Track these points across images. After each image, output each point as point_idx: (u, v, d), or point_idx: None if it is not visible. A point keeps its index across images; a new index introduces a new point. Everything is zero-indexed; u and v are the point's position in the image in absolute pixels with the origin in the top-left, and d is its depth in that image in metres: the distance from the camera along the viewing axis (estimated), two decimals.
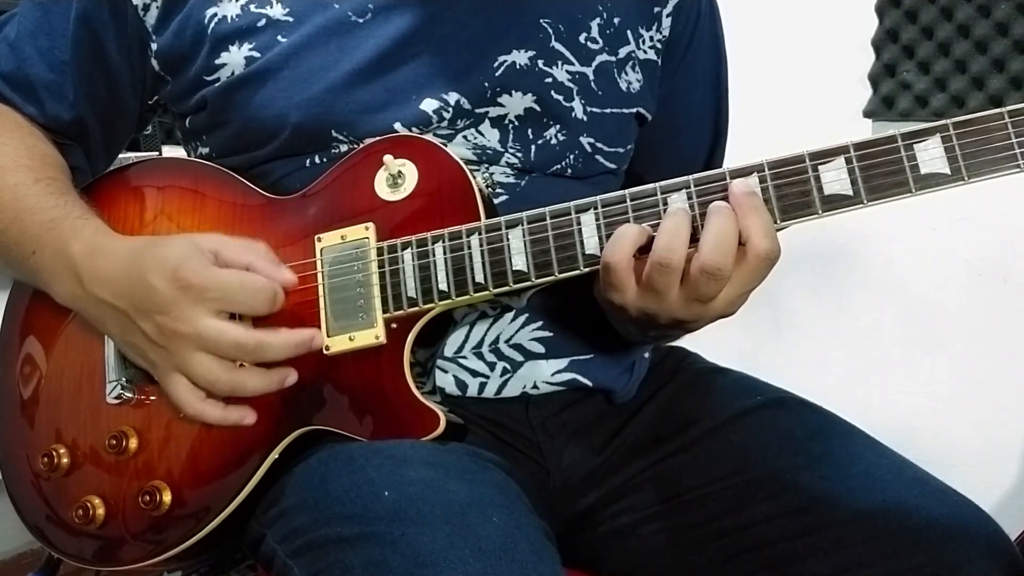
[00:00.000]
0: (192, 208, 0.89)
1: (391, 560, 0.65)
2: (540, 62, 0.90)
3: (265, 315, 0.81)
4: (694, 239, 0.74)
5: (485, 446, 0.86)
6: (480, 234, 0.79)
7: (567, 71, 0.91)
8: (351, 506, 0.71)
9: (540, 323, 0.91)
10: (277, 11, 0.88)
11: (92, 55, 0.93)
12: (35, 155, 0.91)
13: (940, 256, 1.86)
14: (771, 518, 0.85)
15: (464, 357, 0.89)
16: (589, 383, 0.92)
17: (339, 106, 0.87)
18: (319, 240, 0.83)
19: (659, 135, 1.03)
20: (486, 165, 0.90)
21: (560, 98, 0.91)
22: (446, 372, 0.89)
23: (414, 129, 0.87)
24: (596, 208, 0.77)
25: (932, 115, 1.80)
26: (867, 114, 1.89)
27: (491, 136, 0.90)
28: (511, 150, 0.90)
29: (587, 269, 0.77)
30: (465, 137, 0.89)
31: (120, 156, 1.07)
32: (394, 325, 0.81)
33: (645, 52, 0.97)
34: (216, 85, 0.89)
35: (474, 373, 0.89)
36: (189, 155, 0.99)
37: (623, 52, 0.95)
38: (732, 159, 1.11)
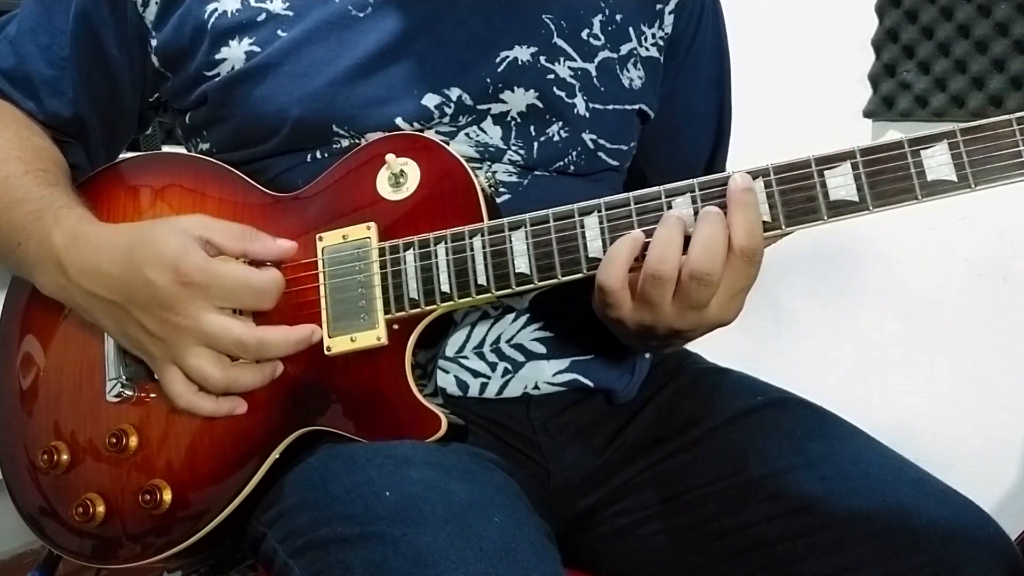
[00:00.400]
0: (191, 205, 0.89)
1: (392, 560, 0.65)
2: (542, 58, 0.90)
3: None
4: (687, 247, 0.73)
5: (486, 446, 0.86)
6: (483, 236, 0.79)
7: (569, 67, 0.91)
8: (352, 506, 0.71)
9: (541, 323, 0.91)
10: (277, 5, 0.88)
11: (92, 52, 0.93)
12: (27, 148, 0.91)
13: (940, 256, 1.85)
14: (771, 518, 0.85)
15: (465, 357, 0.89)
16: (590, 383, 0.92)
17: (340, 101, 0.86)
18: (320, 239, 0.83)
19: (661, 133, 1.03)
20: (488, 163, 0.90)
21: (562, 94, 0.91)
22: (447, 372, 0.89)
23: (415, 124, 0.87)
24: (600, 211, 0.77)
25: (932, 115, 1.80)
26: (867, 114, 1.88)
27: (493, 133, 0.90)
28: (514, 147, 0.90)
29: (590, 272, 0.77)
30: (467, 134, 0.89)
31: (120, 156, 1.06)
32: (396, 326, 0.81)
33: (647, 49, 0.97)
34: (216, 80, 0.89)
35: (475, 373, 0.89)
36: (189, 152, 0.99)
37: (625, 49, 0.95)
38: (733, 159, 1.11)
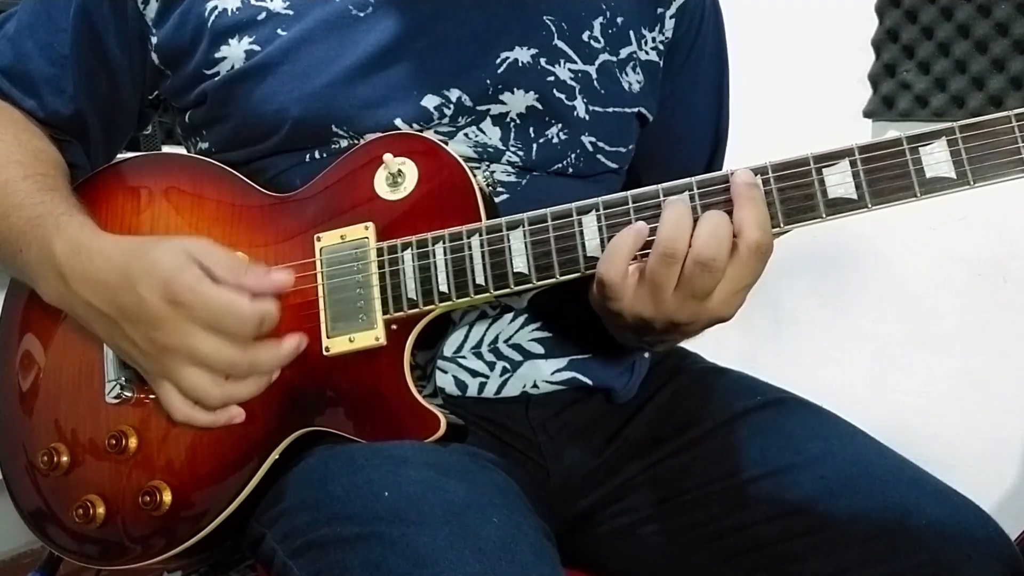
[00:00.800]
0: (190, 206, 0.89)
1: (391, 560, 0.65)
2: (542, 60, 0.90)
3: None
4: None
5: (485, 446, 0.86)
6: (481, 235, 0.79)
7: (569, 69, 0.91)
8: (351, 506, 0.71)
9: (539, 323, 0.91)
10: (277, 4, 0.88)
11: (92, 49, 0.93)
12: (27, 151, 0.90)
13: (940, 256, 1.86)
14: (771, 518, 0.85)
15: (463, 357, 0.89)
16: (589, 382, 0.92)
17: (339, 101, 0.86)
18: (318, 239, 0.83)
19: (659, 138, 1.02)
20: (487, 163, 0.90)
21: (562, 96, 0.91)
22: (446, 372, 0.88)
23: (415, 125, 0.87)
24: (598, 210, 0.77)
25: (932, 115, 1.81)
26: (867, 114, 1.89)
27: (492, 134, 0.90)
28: (512, 148, 0.90)
29: (588, 271, 0.77)
30: (466, 135, 0.89)
31: (120, 156, 1.06)
32: (394, 326, 0.80)
33: (647, 53, 0.97)
34: (216, 79, 0.89)
35: (474, 373, 0.89)
36: (189, 151, 0.99)
37: (624, 52, 0.95)
38: (732, 159, 1.11)
